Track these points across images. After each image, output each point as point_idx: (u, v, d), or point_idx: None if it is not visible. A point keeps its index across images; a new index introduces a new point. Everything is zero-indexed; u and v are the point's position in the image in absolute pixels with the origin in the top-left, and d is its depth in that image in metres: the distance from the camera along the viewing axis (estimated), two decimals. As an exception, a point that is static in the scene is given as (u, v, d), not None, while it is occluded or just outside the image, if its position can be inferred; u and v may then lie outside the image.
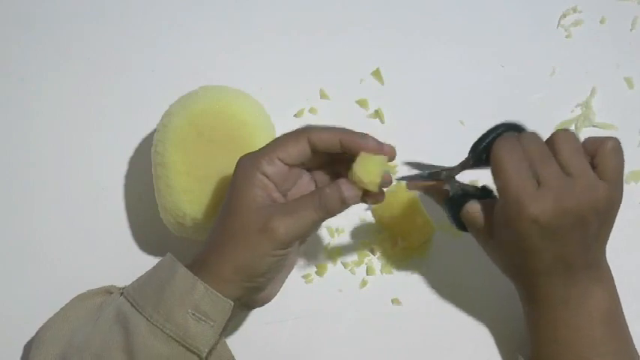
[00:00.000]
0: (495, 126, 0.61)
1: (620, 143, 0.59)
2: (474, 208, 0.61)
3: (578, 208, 0.56)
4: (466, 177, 0.63)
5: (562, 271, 0.58)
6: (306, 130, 0.57)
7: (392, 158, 0.57)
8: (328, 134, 0.56)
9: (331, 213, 0.55)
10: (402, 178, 0.62)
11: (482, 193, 0.62)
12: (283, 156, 0.56)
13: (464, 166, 0.61)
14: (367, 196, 0.57)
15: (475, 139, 0.61)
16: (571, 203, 0.56)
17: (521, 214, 0.56)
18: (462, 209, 0.62)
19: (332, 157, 0.59)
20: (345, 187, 0.55)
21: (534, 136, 0.59)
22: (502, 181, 0.58)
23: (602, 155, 0.58)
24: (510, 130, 0.60)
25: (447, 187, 0.62)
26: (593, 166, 0.58)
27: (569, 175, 0.57)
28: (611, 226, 0.60)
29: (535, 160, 0.57)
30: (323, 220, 0.56)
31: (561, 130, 0.59)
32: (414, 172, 0.64)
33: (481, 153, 0.60)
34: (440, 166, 0.62)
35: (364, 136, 0.56)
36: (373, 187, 0.56)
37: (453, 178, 0.62)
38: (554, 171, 0.57)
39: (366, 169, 0.55)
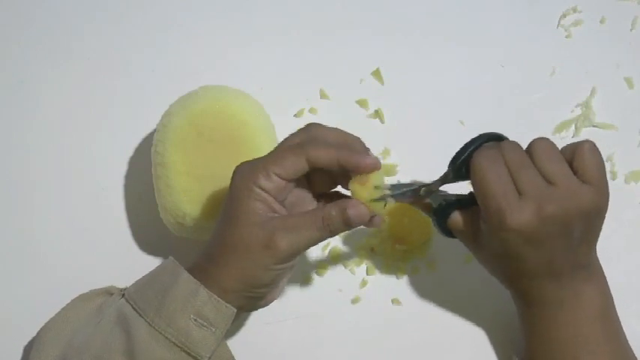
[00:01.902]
0: (473, 138, 0.60)
1: (595, 144, 0.58)
2: (456, 219, 0.61)
3: (561, 215, 0.55)
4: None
5: (550, 274, 0.58)
6: (305, 148, 0.55)
7: (369, 170, 0.56)
8: (327, 154, 0.55)
9: (334, 234, 0.55)
10: (379, 199, 0.57)
11: (468, 200, 0.61)
12: (280, 172, 0.55)
13: (444, 180, 0.60)
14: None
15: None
16: (553, 211, 0.55)
17: (504, 225, 0.56)
18: (447, 220, 0.61)
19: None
20: (352, 212, 0.55)
21: (514, 145, 0.58)
22: (483, 192, 0.57)
23: (580, 158, 0.57)
24: (489, 141, 0.59)
25: (428, 201, 0.61)
26: (574, 172, 0.57)
27: (550, 183, 0.56)
28: (600, 228, 0.59)
29: (515, 170, 0.57)
30: (326, 239, 0.56)
31: (539, 138, 0.58)
32: (395, 190, 0.60)
33: (460, 166, 0.59)
34: (418, 183, 0.61)
35: (361, 155, 0.55)
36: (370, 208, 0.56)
37: (434, 191, 0.61)
38: (535, 180, 0.56)
39: (361, 189, 0.55)
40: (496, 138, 0.60)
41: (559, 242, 0.57)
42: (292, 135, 0.58)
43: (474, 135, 0.60)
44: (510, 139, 0.61)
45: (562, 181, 0.56)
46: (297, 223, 0.55)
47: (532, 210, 0.55)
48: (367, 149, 0.58)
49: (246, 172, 0.56)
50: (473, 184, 0.58)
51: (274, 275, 0.55)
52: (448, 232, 0.62)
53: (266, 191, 0.55)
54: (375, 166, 0.55)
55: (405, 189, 0.60)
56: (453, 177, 0.60)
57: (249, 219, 0.55)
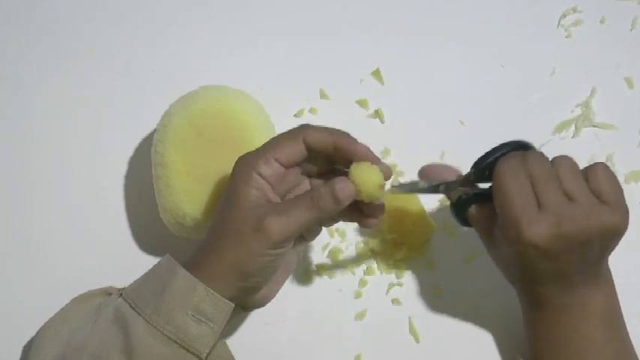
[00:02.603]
0: (502, 144, 0.60)
1: (607, 166, 0.58)
2: (475, 213, 0.61)
3: (582, 233, 0.55)
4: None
5: (560, 283, 0.58)
6: (301, 130, 0.57)
7: (387, 177, 0.57)
8: (323, 134, 0.56)
9: (325, 212, 0.55)
10: (398, 188, 0.59)
11: (488, 195, 0.60)
12: (279, 156, 0.56)
13: (465, 180, 0.61)
14: (363, 219, 0.58)
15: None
16: (572, 228, 0.55)
17: (519, 237, 0.56)
18: (467, 212, 0.62)
19: (331, 165, 0.59)
20: (339, 186, 0.55)
21: (540, 156, 0.58)
22: (502, 201, 0.57)
23: (594, 179, 0.57)
24: (517, 149, 0.59)
25: (447, 196, 0.62)
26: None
27: (572, 200, 0.56)
28: (615, 247, 0.59)
29: (538, 183, 0.56)
30: (317, 220, 0.56)
31: (563, 155, 0.58)
32: (410, 187, 0.62)
33: (484, 170, 0.59)
34: (438, 180, 0.61)
35: (357, 141, 0.56)
36: (366, 197, 0.56)
37: (453, 189, 0.61)
38: (556, 195, 0.56)
39: (361, 177, 0.56)
40: (524, 147, 0.60)
41: (574, 257, 0.57)
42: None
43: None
44: (511, 139, 0.61)
45: (583, 199, 0.56)
46: (287, 206, 0.55)
47: (550, 225, 0.55)
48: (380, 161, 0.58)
49: (247, 159, 0.56)
50: (494, 192, 0.58)
51: (265, 262, 0.55)
52: (466, 222, 0.62)
53: (264, 178, 0.56)
54: (368, 154, 0.56)
55: (423, 184, 0.61)
56: (475, 179, 0.60)
57: (243, 205, 0.55)
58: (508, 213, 0.57)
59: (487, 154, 0.60)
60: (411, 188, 0.60)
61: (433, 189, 0.61)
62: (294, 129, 0.57)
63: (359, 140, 0.57)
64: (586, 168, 0.58)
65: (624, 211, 0.57)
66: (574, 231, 0.55)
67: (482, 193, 0.61)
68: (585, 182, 0.57)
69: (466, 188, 0.62)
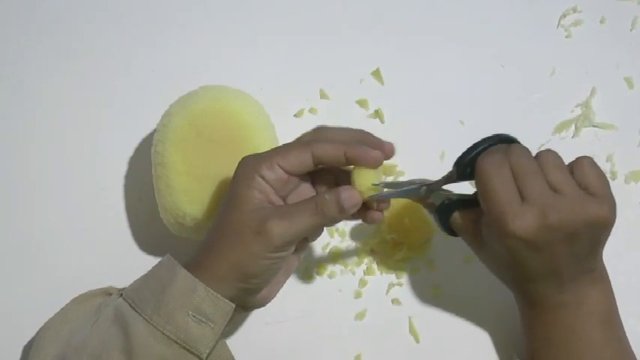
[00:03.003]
0: (481, 140, 0.59)
1: (593, 159, 0.58)
2: (458, 219, 0.61)
3: (568, 223, 0.55)
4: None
5: (552, 279, 0.58)
6: (311, 144, 0.56)
7: (390, 156, 0.57)
8: (333, 149, 0.56)
9: (329, 220, 0.55)
10: (378, 196, 0.57)
11: (472, 200, 0.60)
12: (284, 164, 0.56)
13: (447, 180, 0.60)
14: (364, 215, 0.58)
15: (476, 138, 0.60)
16: (557, 220, 0.55)
17: (505, 230, 0.55)
18: (450, 219, 0.61)
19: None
20: (345, 195, 0.55)
21: (523, 150, 0.58)
22: (486, 197, 0.57)
23: (580, 172, 0.57)
24: (498, 143, 0.59)
25: (430, 200, 0.61)
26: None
27: (557, 192, 0.56)
28: (606, 238, 0.58)
29: (521, 176, 0.56)
30: (320, 226, 0.56)
31: (547, 149, 0.58)
32: (395, 187, 0.60)
33: (465, 167, 0.58)
34: (420, 181, 0.61)
35: (367, 147, 0.56)
36: (364, 197, 0.56)
37: (436, 191, 0.61)
38: (540, 187, 0.56)
39: (361, 180, 0.56)
40: (506, 140, 0.59)
41: (562, 250, 0.56)
42: (302, 135, 0.59)
43: (474, 135, 0.60)
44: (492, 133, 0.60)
45: (569, 190, 0.56)
46: (291, 210, 0.55)
47: (534, 217, 0.55)
48: (382, 140, 0.58)
49: (251, 162, 0.56)
50: (477, 188, 0.58)
51: (266, 265, 0.55)
52: (450, 230, 0.62)
53: (267, 181, 0.55)
54: (380, 159, 0.56)
55: (405, 187, 0.60)
56: (457, 177, 0.59)
57: (245, 206, 0.55)
58: (492, 208, 0.56)
59: (467, 152, 0.59)
60: (394, 193, 0.59)
61: (415, 190, 0.60)
62: (305, 141, 0.57)
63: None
64: (572, 162, 0.58)
65: (612, 204, 0.57)
66: (560, 221, 0.55)
67: (465, 198, 0.61)
68: (571, 175, 0.57)
69: (449, 192, 0.61)
